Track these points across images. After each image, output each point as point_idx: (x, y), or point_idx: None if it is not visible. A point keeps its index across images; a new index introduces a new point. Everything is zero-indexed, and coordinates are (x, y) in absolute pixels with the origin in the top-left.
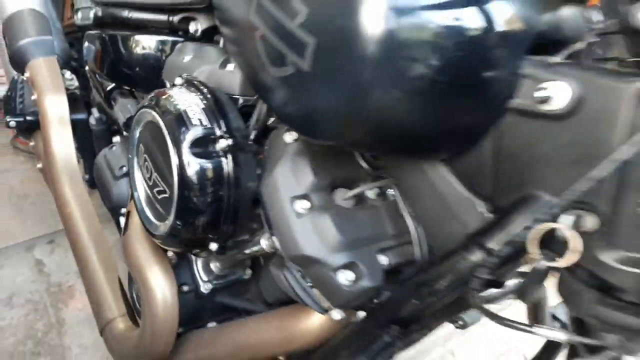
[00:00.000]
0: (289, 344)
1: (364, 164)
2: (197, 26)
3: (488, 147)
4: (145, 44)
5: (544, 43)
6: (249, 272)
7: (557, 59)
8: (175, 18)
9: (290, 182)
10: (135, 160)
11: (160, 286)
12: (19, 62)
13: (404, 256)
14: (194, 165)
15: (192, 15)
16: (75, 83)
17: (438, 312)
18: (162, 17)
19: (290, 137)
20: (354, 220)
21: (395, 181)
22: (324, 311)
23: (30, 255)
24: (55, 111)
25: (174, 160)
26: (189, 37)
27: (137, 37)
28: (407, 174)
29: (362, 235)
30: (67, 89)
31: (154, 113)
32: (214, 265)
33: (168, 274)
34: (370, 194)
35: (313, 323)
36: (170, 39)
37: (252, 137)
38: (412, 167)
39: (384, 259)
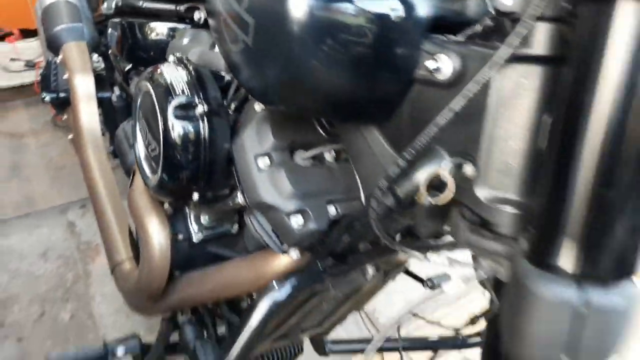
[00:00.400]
0: (259, 282)
1: (320, 130)
2: (200, 14)
3: (406, 112)
4: (157, 30)
5: (449, 25)
6: (236, 227)
7: (454, 37)
8: (182, 7)
9: (254, 142)
10: (137, 125)
11: (156, 233)
12: (54, 45)
13: (352, 209)
14: (176, 127)
15: (196, 4)
16: (102, 65)
17: (370, 250)
18: (171, 7)
19: (259, 106)
20: (308, 176)
21: (345, 145)
22: (283, 251)
23: (64, 218)
24: (83, 89)
25: (161, 122)
26: (194, 24)
27: (151, 24)
28: (352, 138)
29: (314, 189)
30: (94, 70)
31: (148, 84)
32: (204, 218)
33: (163, 223)
34: (328, 156)
35: (277, 264)
36: (178, 26)
37: (232, 107)
38: (355, 133)
39: (332, 210)
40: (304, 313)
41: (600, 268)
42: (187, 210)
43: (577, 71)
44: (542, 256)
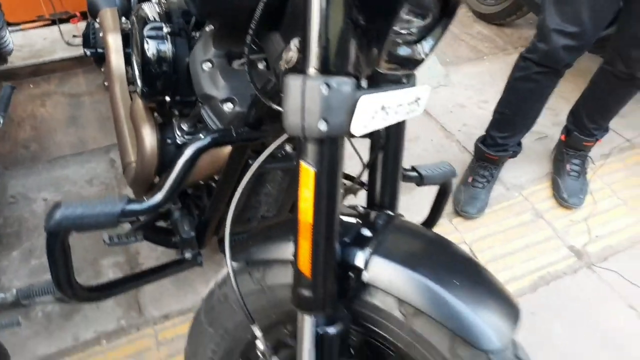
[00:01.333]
0: (215, 164)
1: (252, 44)
2: None
3: (286, 17)
4: None
5: None
6: None
7: None
8: None
9: (201, 52)
10: (133, 50)
11: (147, 136)
12: (93, 11)
13: None
14: (149, 44)
15: None
16: (129, 26)
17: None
18: None
19: (208, 27)
20: (240, 76)
21: (267, 54)
22: None
23: (107, 156)
24: (114, 44)
25: (139, 42)
26: None
27: None
28: (269, 47)
29: (243, 85)
30: (122, 30)
31: (134, 18)
32: (184, 125)
33: (153, 129)
34: (260, 65)
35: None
36: None
37: (198, 35)
38: (270, 42)
39: None
40: (256, 194)
41: (330, 67)
42: (173, 121)
43: None
44: (303, 67)
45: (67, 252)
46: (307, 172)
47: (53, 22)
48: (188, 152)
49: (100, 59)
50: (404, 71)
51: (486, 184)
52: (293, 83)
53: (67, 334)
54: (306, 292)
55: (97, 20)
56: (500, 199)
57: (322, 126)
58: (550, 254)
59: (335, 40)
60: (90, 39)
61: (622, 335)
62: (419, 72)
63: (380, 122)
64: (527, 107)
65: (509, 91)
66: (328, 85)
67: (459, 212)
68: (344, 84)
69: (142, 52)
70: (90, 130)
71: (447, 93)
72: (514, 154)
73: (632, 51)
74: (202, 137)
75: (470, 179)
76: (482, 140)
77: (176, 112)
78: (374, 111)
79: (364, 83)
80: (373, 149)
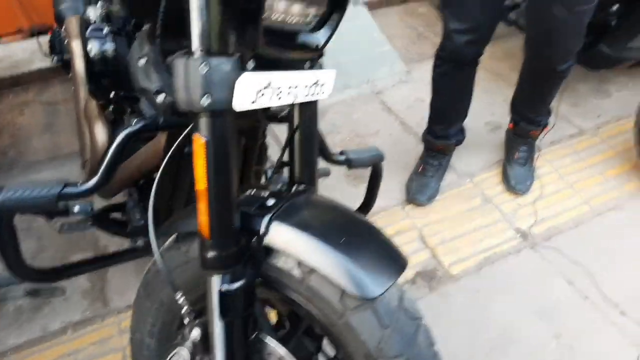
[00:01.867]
0: (159, 154)
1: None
2: None
3: None
4: None
5: None
6: None
7: None
8: None
9: (137, 49)
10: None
11: (99, 132)
12: (59, 19)
13: None
14: (91, 44)
15: None
16: None
17: None
18: None
19: (145, 25)
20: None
21: None
22: None
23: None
24: (78, 50)
25: (83, 43)
26: None
27: None
28: None
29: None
30: None
31: (80, 22)
32: (134, 122)
33: (105, 125)
34: None
35: None
36: None
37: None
38: None
39: None
40: None
41: (211, 48)
42: (124, 118)
43: None
44: (189, 50)
45: (13, 233)
46: (199, 142)
47: (33, 35)
48: (119, 138)
49: (67, 65)
50: (305, 56)
51: (435, 173)
52: (178, 63)
53: (36, 325)
54: (208, 254)
55: (64, 27)
56: (452, 186)
57: (206, 101)
58: (496, 236)
59: (214, 24)
60: (56, 45)
61: (559, 308)
62: (381, 70)
63: (274, 100)
64: (453, 101)
65: (433, 88)
66: (208, 64)
67: (410, 201)
68: (222, 63)
69: (85, 52)
70: (65, 135)
71: (408, 89)
72: (459, 142)
73: (547, 48)
74: (132, 124)
75: (420, 168)
76: (428, 131)
77: (128, 110)
78: (258, 89)
79: (250, 64)
80: (289, 131)
